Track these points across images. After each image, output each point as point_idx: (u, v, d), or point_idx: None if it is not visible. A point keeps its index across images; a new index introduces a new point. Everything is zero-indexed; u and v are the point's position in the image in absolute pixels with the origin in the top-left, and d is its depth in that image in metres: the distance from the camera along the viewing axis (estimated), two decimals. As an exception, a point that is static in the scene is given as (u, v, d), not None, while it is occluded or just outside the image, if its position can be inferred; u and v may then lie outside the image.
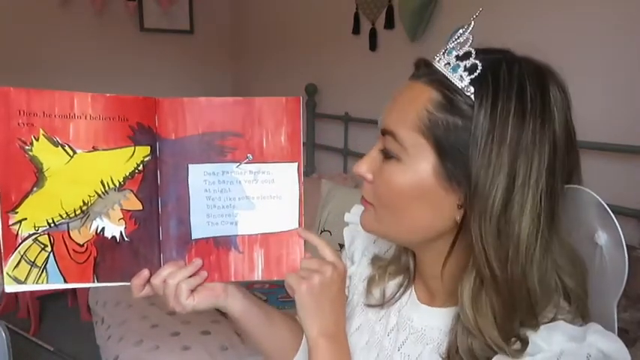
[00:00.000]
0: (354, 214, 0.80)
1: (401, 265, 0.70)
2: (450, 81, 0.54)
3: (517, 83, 0.52)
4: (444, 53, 0.56)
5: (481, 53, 0.54)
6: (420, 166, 0.55)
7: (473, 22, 0.56)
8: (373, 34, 2.21)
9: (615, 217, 0.56)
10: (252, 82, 3.39)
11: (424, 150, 0.55)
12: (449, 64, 0.55)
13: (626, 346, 0.52)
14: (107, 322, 1.66)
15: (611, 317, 0.58)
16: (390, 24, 2.11)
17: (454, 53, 0.55)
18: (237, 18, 3.49)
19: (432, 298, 0.65)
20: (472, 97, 0.52)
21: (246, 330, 0.74)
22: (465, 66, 0.53)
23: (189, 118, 0.66)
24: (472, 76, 0.52)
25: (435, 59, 0.57)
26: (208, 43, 3.47)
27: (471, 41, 0.55)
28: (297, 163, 0.69)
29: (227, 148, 0.67)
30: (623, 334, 1.06)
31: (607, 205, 0.56)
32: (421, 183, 0.55)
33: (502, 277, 0.51)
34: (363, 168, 0.61)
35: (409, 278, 0.69)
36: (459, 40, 0.55)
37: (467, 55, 0.54)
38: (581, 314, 0.55)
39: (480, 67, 0.52)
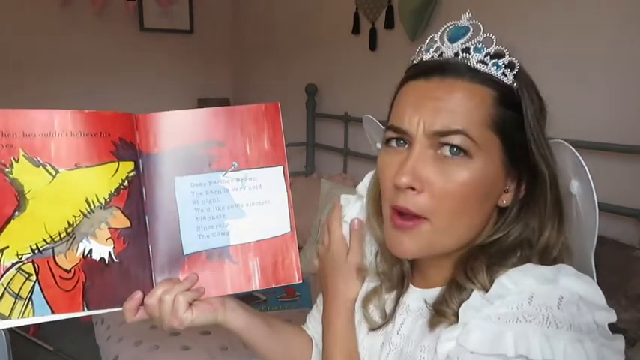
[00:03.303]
0: (350, 214, 0.78)
1: (395, 278, 0.68)
2: (499, 79, 0.57)
3: (525, 73, 0.59)
4: (466, 51, 0.57)
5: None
6: (491, 160, 0.57)
7: (481, 25, 0.59)
8: (373, 34, 2.21)
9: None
10: (251, 81, 3.39)
11: (493, 143, 0.57)
12: (484, 62, 0.57)
13: (626, 346, 0.53)
14: (107, 322, 1.66)
15: (590, 269, 0.60)
16: (390, 24, 2.11)
17: (484, 52, 0.57)
18: (237, 18, 3.49)
19: (427, 282, 0.66)
20: (517, 91, 0.58)
21: (250, 343, 0.73)
22: (504, 63, 0.57)
23: (170, 131, 0.65)
24: (514, 72, 0.57)
25: (458, 58, 0.58)
26: (208, 43, 3.46)
27: (495, 40, 0.58)
28: (282, 167, 0.68)
29: (212, 157, 0.66)
30: (624, 334, 1.05)
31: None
32: (492, 176, 0.58)
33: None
34: (411, 176, 0.56)
35: (404, 285, 0.68)
36: (476, 39, 0.58)
37: (500, 54, 0.58)
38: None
39: (517, 64, 0.57)
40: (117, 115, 0.63)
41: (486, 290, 0.54)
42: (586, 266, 0.60)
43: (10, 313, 0.58)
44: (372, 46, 2.22)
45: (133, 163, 0.64)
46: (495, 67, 0.57)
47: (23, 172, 0.59)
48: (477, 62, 0.57)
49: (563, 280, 0.52)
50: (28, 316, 0.59)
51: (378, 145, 0.87)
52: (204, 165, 0.66)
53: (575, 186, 0.60)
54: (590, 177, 0.58)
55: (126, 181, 0.63)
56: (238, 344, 1.44)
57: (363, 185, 0.74)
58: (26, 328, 2.40)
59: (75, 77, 3.04)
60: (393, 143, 0.60)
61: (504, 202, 0.60)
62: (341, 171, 2.48)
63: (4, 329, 1.26)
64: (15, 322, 0.59)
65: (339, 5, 2.40)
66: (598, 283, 0.54)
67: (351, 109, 2.38)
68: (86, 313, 0.62)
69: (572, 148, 0.60)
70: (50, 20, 3.01)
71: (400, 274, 0.68)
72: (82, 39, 3.09)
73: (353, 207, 0.75)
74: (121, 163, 0.63)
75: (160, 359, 1.40)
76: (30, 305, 0.59)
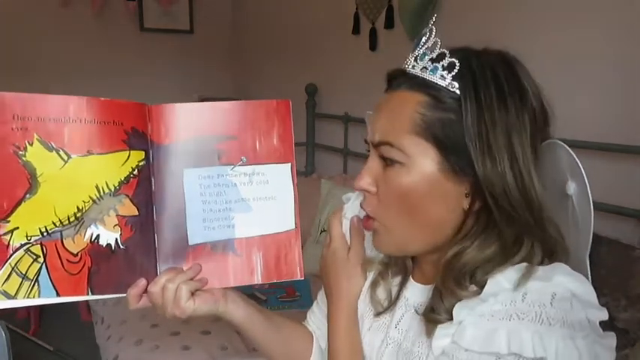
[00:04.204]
0: (350, 211, 0.79)
1: (400, 262, 0.71)
2: (433, 82, 0.57)
3: (489, 70, 0.57)
4: (415, 59, 0.60)
5: (452, 52, 0.58)
6: (425, 164, 0.57)
7: (434, 28, 0.60)
8: (373, 34, 2.21)
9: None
10: (252, 82, 3.39)
11: (425, 149, 0.57)
12: (426, 68, 0.58)
13: (626, 346, 0.53)
14: (107, 321, 1.66)
15: (585, 269, 0.60)
16: (390, 24, 2.11)
17: (427, 57, 0.58)
18: (237, 18, 3.49)
19: (426, 278, 0.67)
20: (457, 91, 0.56)
21: (251, 336, 0.74)
22: (443, 65, 0.57)
23: (182, 123, 0.66)
24: (452, 73, 0.56)
25: (407, 67, 0.60)
26: (208, 43, 3.46)
27: (439, 44, 0.58)
28: (290, 164, 0.69)
29: (221, 151, 0.67)
30: (624, 334, 1.06)
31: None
32: (429, 180, 0.57)
33: (540, 238, 0.56)
34: (365, 181, 0.62)
35: (406, 273, 0.70)
36: (427, 45, 0.59)
37: (441, 56, 0.58)
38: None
39: (457, 64, 0.56)
40: (130, 104, 0.64)
41: (476, 295, 0.55)
42: (581, 267, 0.60)
43: (17, 293, 0.59)
44: (372, 46, 2.22)
45: (143, 152, 0.65)
46: (432, 71, 0.57)
47: (36, 155, 0.60)
48: (420, 69, 0.59)
49: (556, 277, 0.53)
50: (34, 297, 0.60)
51: None
52: (213, 158, 0.67)
53: (571, 187, 0.60)
54: (585, 177, 0.58)
55: (136, 170, 0.64)
56: (238, 344, 1.44)
57: None
58: (26, 328, 2.40)
59: (75, 77, 3.04)
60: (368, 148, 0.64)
61: (465, 205, 0.58)
62: (341, 171, 2.48)
63: (4, 329, 1.26)
64: (21, 302, 0.60)
65: (339, 5, 2.40)
66: (598, 283, 0.54)
67: (351, 109, 2.38)
68: (90, 297, 0.63)
69: (568, 148, 0.59)
70: (50, 21, 3.01)
71: (402, 262, 0.70)
72: (82, 39, 3.10)
73: (353, 204, 0.76)
74: (132, 151, 0.64)
75: (160, 359, 1.40)
76: (36, 286, 0.60)
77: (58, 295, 0.61)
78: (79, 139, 0.61)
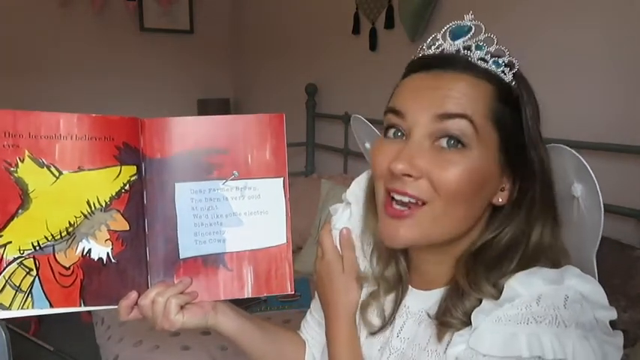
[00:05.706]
0: (340, 222, 0.75)
1: (391, 279, 0.68)
2: (499, 76, 0.58)
3: (523, 76, 0.60)
4: (468, 49, 0.58)
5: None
6: (488, 153, 0.57)
7: (483, 25, 0.60)
8: (373, 34, 2.21)
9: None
10: (252, 82, 3.39)
11: (491, 137, 0.57)
12: (484, 60, 0.58)
13: (626, 346, 0.53)
14: (107, 322, 1.66)
15: (592, 269, 0.60)
16: (390, 24, 2.11)
17: (485, 49, 0.58)
18: (237, 18, 3.49)
19: (426, 284, 0.66)
20: (515, 90, 0.58)
21: (243, 347, 0.74)
22: (504, 62, 0.58)
23: (174, 137, 0.66)
24: (513, 72, 0.58)
25: (462, 54, 0.58)
26: (208, 43, 3.47)
27: (496, 40, 0.59)
28: (282, 178, 0.69)
29: (213, 165, 0.67)
30: (624, 334, 1.05)
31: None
32: (488, 169, 0.57)
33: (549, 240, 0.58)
34: (410, 163, 0.56)
35: (402, 286, 0.68)
36: (478, 38, 0.59)
37: (500, 53, 0.58)
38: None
39: (516, 65, 0.58)
40: (122, 119, 0.64)
41: (497, 298, 0.54)
42: (587, 267, 0.60)
43: (11, 305, 0.61)
44: (372, 46, 2.22)
45: (135, 167, 0.65)
46: (495, 65, 0.58)
47: (28, 171, 0.61)
48: (477, 59, 0.58)
49: (568, 280, 0.53)
50: (28, 308, 0.61)
51: (367, 145, 0.87)
52: (205, 172, 0.67)
53: (578, 189, 0.60)
54: (594, 177, 0.58)
55: (127, 185, 0.65)
56: (238, 344, 1.45)
57: (351, 192, 0.74)
58: (26, 328, 2.40)
59: (75, 77, 3.04)
60: (391, 133, 0.60)
61: (500, 200, 0.59)
62: (341, 171, 2.48)
63: (4, 329, 1.26)
64: (15, 313, 0.61)
65: (339, 5, 2.40)
66: (599, 283, 0.54)
67: (351, 109, 2.38)
68: (82, 309, 0.64)
69: (573, 151, 0.60)
70: (50, 20, 3.01)
71: (397, 274, 0.68)
72: (82, 39, 3.10)
73: (342, 215, 0.74)
74: (123, 167, 0.64)
75: (160, 359, 1.40)
76: (30, 298, 0.61)
77: (51, 306, 0.63)
78: (69, 155, 0.62)
